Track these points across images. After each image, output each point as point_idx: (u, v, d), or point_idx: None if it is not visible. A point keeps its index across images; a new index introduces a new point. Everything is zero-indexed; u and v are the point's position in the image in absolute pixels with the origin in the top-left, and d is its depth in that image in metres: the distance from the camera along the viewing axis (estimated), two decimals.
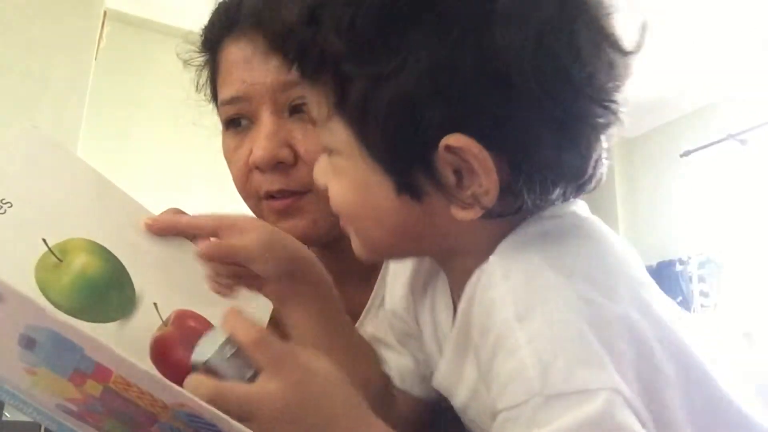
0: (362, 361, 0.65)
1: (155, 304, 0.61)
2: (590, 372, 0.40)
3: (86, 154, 2.48)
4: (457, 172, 0.44)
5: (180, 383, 0.58)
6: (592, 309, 0.42)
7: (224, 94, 0.77)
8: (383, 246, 0.52)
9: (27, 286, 0.54)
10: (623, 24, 0.45)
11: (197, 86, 0.86)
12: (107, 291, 0.59)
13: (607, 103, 0.44)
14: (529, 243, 0.46)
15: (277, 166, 0.73)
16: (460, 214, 0.46)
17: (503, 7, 0.42)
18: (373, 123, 0.45)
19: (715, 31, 2.96)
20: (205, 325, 0.63)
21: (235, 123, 0.78)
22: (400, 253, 0.56)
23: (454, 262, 0.52)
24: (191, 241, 0.65)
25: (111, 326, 0.58)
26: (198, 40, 0.84)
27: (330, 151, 0.50)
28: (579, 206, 0.51)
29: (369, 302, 0.82)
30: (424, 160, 0.44)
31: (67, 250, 0.59)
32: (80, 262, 0.59)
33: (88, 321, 0.57)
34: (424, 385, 0.61)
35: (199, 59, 0.84)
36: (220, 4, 0.81)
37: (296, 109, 0.74)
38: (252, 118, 0.76)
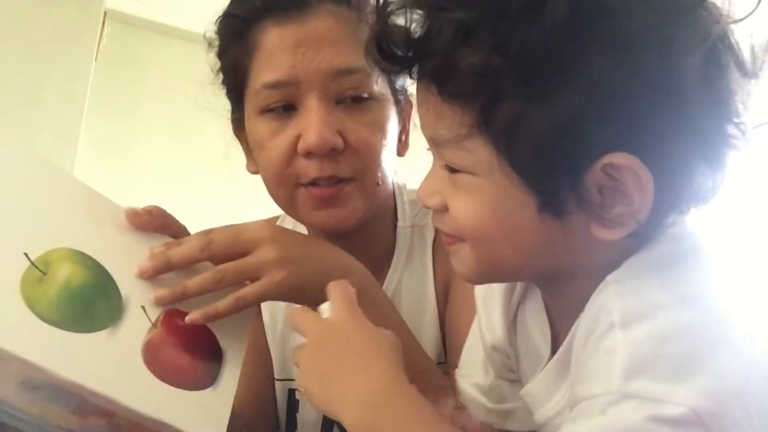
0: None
1: (143, 307, 0.61)
2: (675, 388, 0.40)
3: (86, 154, 2.48)
4: (601, 191, 0.44)
5: (175, 382, 0.59)
6: (698, 332, 0.42)
7: (267, 77, 0.75)
8: (506, 268, 0.51)
9: (14, 305, 0.54)
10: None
11: (216, 71, 0.83)
12: (94, 299, 0.59)
13: (742, 126, 0.46)
14: (648, 265, 0.46)
15: (328, 152, 0.73)
16: (602, 232, 0.45)
17: (681, 32, 0.42)
18: (526, 142, 0.44)
19: None
20: (195, 323, 0.63)
21: (273, 108, 0.76)
22: (514, 276, 0.55)
23: (562, 284, 0.52)
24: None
25: (101, 335, 0.57)
26: (223, 20, 0.80)
27: (454, 169, 0.48)
28: (695, 224, 0.51)
29: None
30: (574, 179, 0.44)
31: (50, 262, 0.58)
32: (64, 272, 0.58)
33: (78, 332, 0.56)
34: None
35: (219, 41, 0.81)
36: None
37: (347, 100, 0.74)
38: (296, 103, 0.75)
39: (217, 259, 0.65)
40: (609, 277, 0.47)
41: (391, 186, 0.84)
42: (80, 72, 2.36)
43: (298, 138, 0.74)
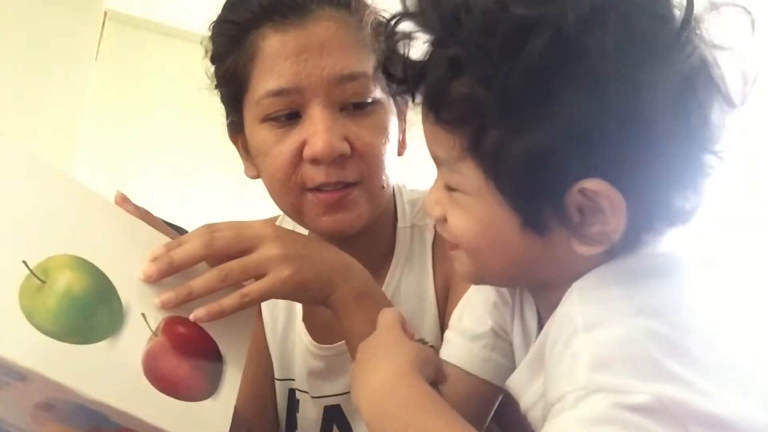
0: None
1: (143, 314, 0.60)
2: (637, 382, 0.42)
3: (86, 154, 2.48)
4: (581, 211, 0.48)
5: (176, 392, 0.58)
6: (657, 339, 0.45)
7: (270, 85, 0.74)
8: (496, 275, 0.56)
9: (13, 317, 0.52)
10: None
11: (212, 77, 0.83)
12: (95, 307, 0.57)
13: (719, 153, 0.49)
14: (613, 277, 0.50)
15: (335, 158, 0.73)
16: (582, 248, 0.49)
17: (651, 75, 0.45)
18: (508, 168, 0.48)
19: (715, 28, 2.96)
20: (195, 330, 0.62)
21: (278, 116, 0.75)
22: (507, 282, 0.60)
23: (546, 291, 0.56)
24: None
25: (102, 346, 0.56)
26: (219, 27, 0.80)
27: (451, 188, 0.53)
28: (673, 244, 0.53)
29: None
30: (554, 201, 0.48)
31: (50, 269, 0.56)
32: (64, 280, 0.56)
33: (78, 343, 0.54)
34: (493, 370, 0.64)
35: (214, 48, 0.80)
36: None
37: (350, 106, 0.75)
38: (299, 111, 0.75)
39: (219, 258, 0.65)
40: (575, 285, 0.50)
41: (391, 187, 0.84)
42: (80, 72, 2.36)
43: (303, 145, 0.74)
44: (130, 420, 0.55)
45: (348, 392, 0.83)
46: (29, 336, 0.52)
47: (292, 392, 0.91)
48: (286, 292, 0.66)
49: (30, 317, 0.53)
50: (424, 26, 0.50)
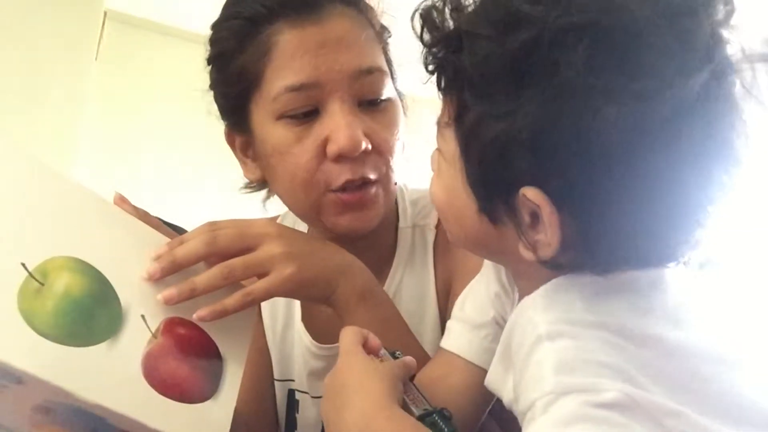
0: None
1: (143, 316, 0.59)
2: (603, 380, 0.43)
3: (86, 154, 2.48)
4: (534, 216, 0.48)
5: (175, 395, 0.58)
6: (619, 351, 0.46)
7: (289, 80, 0.72)
8: (463, 242, 0.58)
9: (11, 320, 0.52)
10: None
11: (210, 75, 0.81)
12: (94, 309, 0.57)
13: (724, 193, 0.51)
14: (579, 287, 0.50)
15: (359, 154, 0.72)
16: (524, 252, 0.50)
17: (617, 103, 0.44)
18: (475, 150, 0.50)
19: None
20: (195, 331, 0.62)
21: (296, 112, 0.74)
22: (477, 253, 0.61)
23: (519, 279, 0.58)
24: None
25: (101, 348, 0.56)
26: (227, 23, 0.77)
27: (439, 150, 0.56)
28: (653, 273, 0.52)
29: None
30: (506, 197, 0.49)
31: (48, 271, 0.56)
32: (63, 282, 0.56)
33: (77, 346, 0.54)
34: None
35: (220, 44, 0.78)
36: None
37: (366, 101, 0.74)
38: (318, 106, 0.73)
39: (222, 256, 0.64)
40: (540, 289, 0.51)
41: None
42: (80, 72, 2.36)
43: (325, 141, 0.72)
44: (128, 423, 0.55)
45: None
46: (27, 339, 0.52)
47: (291, 393, 0.91)
48: (290, 290, 0.66)
49: (28, 320, 0.53)
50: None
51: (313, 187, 0.74)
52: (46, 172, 0.61)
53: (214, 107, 0.83)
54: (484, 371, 0.62)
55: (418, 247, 0.85)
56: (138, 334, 0.58)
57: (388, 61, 0.80)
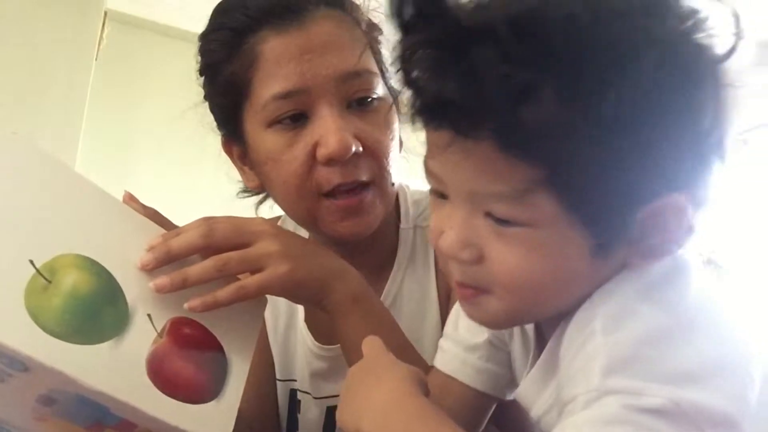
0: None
1: (149, 315, 0.59)
2: (651, 384, 0.41)
3: (87, 154, 2.48)
4: (643, 225, 0.47)
5: (179, 395, 0.57)
6: (672, 339, 0.44)
7: (276, 88, 0.73)
8: (537, 311, 0.52)
9: (18, 316, 0.52)
10: None
11: (203, 85, 0.82)
12: (100, 308, 0.57)
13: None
14: (629, 280, 0.49)
15: (350, 157, 0.72)
16: (640, 261, 0.48)
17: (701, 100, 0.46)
18: (592, 194, 0.45)
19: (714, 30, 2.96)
20: (201, 331, 0.62)
21: (285, 119, 0.74)
22: (536, 318, 0.56)
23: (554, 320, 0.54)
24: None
25: (105, 347, 0.56)
26: (214, 34, 0.78)
27: (501, 220, 0.47)
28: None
29: (381, 297, 0.83)
30: (627, 220, 0.46)
31: (56, 269, 0.56)
32: (70, 280, 0.56)
33: (82, 344, 0.54)
34: (489, 381, 0.63)
35: (208, 55, 0.79)
36: None
37: (356, 103, 0.74)
38: (307, 112, 0.73)
39: (217, 249, 0.64)
40: (594, 294, 0.49)
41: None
42: (81, 72, 2.36)
43: (315, 147, 0.73)
44: (130, 411, 0.55)
45: None
46: (34, 335, 0.52)
47: (293, 393, 0.91)
48: (283, 288, 0.66)
49: (35, 317, 0.53)
50: (480, 41, 0.42)
51: (306, 193, 0.75)
52: (57, 169, 0.61)
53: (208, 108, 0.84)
54: (479, 392, 0.62)
55: (419, 248, 0.85)
56: (143, 334, 0.58)
57: (380, 60, 0.79)
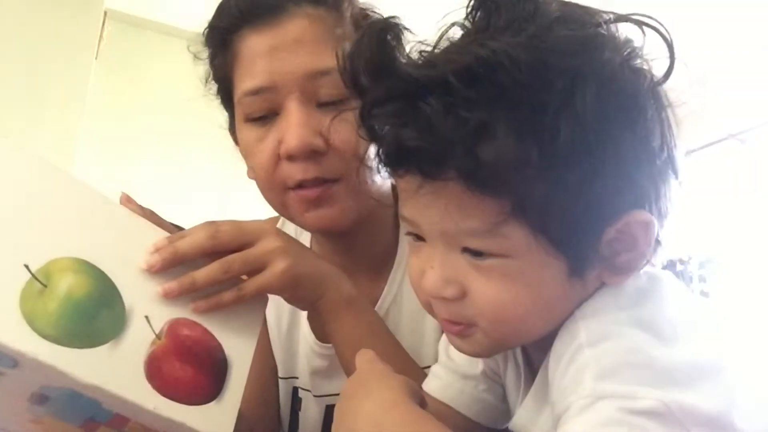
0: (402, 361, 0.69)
1: (147, 317, 0.59)
2: (641, 388, 0.43)
3: (85, 153, 2.48)
4: (610, 243, 0.49)
5: (178, 398, 0.57)
6: (656, 348, 0.46)
7: (247, 84, 0.76)
8: (521, 338, 0.54)
9: (13, 321, 0.52)
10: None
11: (206, 80, 0.84)
12: (97, 311, 0.56)
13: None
14: (607, 294, 0.50)
15: (310, 154, 0.73)
16: (614, 278, 0.50)
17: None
18: (559, 218, 0.47)
19: (715, 30, 2.96)
20: (200, 332, 0.62)
21: (257, 115, 0.76)
22: (521, 342, 0.56)
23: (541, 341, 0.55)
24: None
25: (102, 350, 0.55)
26: (208, 33, 0.81)
27: (478, 254, 0.49)
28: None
29: (380, 300, 0.83)
30: (596, 239, 0.48)
31: (52, 273, 0.55)
32: (66, 284, 0.55)
33: (79, 347, 0.54)
34: (482, 410, 0.63)
35: (208, 53, 0.82)
36: None
37: (324, 103, 0.74)
38: (277, 108, 0.75)
39: (223, 250, 0.65)
40: (576, 312, 0.50)
41: (386, 187, 0.84)
42: (80, 71, 2.36)
43: (281, 142, 0.75)
44: (124, 406, 0.55)
45: None
46: (29, 340, 0.52)
47: (295, 390, 0.91)
48: (281, 286, 0.67)
49: (30, 322, 0.53)
50: (432, 87, 0.46)
51: (274, 187, 0.77)
52: (51, 171, 0.60)
53: (213, 107, 0.85)
54: (473, 422, 0.62)
55: None
56: (141, 336, 0.58)
57: None
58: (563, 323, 0.50)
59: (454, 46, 0.49)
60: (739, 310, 3.26)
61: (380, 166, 0.51)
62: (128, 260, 0.60)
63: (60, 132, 2.29)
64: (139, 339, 0.58)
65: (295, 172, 0.74)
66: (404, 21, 0.51)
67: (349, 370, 0.69)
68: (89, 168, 2.60)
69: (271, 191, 0.79)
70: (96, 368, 0.54)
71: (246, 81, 0.76)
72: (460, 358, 0.64)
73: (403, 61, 0.49)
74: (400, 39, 0.49)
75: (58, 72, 2.32)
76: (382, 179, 0.79)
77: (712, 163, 3.48)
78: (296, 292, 0.69)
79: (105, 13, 2.47)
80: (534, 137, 0.45)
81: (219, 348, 0.62)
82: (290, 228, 0.89)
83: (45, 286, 0.54)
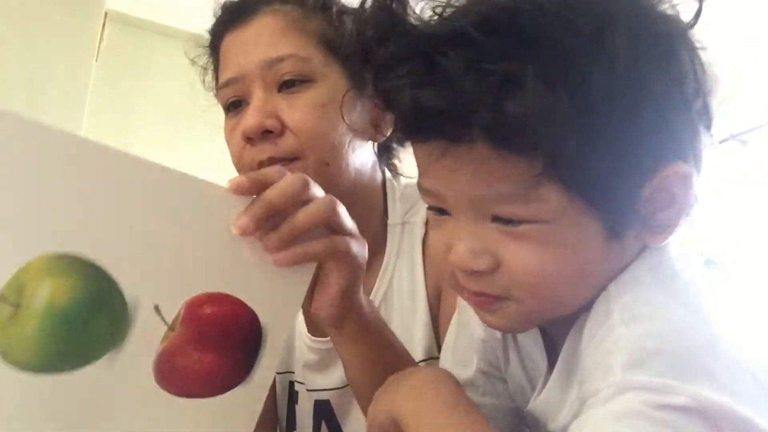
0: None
1: (156, 306, 0.49)
2: (675, 382, 0.40)
3: None
4: (648, 200, 0.46)
5: (196, 392, 0.51)
6: (692, 334, 0.43)
7: (221, 78, 0.83)
8: (558, 308, 0.50)
9: None
10: None
11: (204, 84, 0.90)
12: (89, 317, 0.46)
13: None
14: (644, 273, 0.48)
15: (265, 135, 0.77)
16: (654, 238, 0.48)
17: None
18: (595, 176, 0.44)
19: (715, 31, 2.96)
20: (228, 306, 0.52)
21: (233, 106, 0.82)
22: (559, 314, 0.52)
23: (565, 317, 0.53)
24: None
25: (101, 366, 0.46)
26: (204, 41, 0.89)
27: (510, 222, 0.46)
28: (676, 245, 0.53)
29: (372, 294, 0.83)
30: (634, 197, 0.46)
31: (24, 284, 0.44)
32: (44, 294, 0.44)
33: (71, 369, 0.45)
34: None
35: (204, 59, 0.90)
36: (223, 6, 0.86)
37: (284, 86, 0.79)
38: (247, 98, 0.80)
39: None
40: (610, 286, 0.48)
41: (371, 177, 0.85)
42: (81, 72, 2.36)
43: None
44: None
45: (338, 388, 0.84)
46: (5, 378, 0.44)
47: (291, 384, 0.91)
48: (350, 267, 0.62)
49: (5, 356, 0.44)
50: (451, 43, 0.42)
51: (243, 172, 0.78)
52: (34, 129, 0.44)
53: (213, 107, 0.88)
54: None
55: (406, 244, 0.86)
56: (150, 332, 0.49)
57: (339, 48, 0.81)
58: (597, 299, 0.47)
59: None
60: (739, 310, 3.24)
61: (400, 138, 0.49)
62: (126, 237, 0.47)
63: None
64: (146, 337, 0.49)
65: (254, 153, 0.78)
66: None
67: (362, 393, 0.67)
68: None
69: None
70: (97, 396, 0.46)
71: (221, 76, 0.84)
72: (454, 364, 0.63)
73: (413, 19, 0.45)
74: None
75: (58, 73, 2.32)
76: (362, 164, 0.80)
77: (713, 164, 3.48)
78: (351, 282, 0.63)
79: (106, 14, 2.47)
80: (564, 86, 0.41)
81: (254, 319, 0.53)
82: None
83: (17, 305, 0.44)
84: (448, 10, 0.45)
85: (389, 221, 0.87)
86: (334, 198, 0.59)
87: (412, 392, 0.50)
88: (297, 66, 0.79)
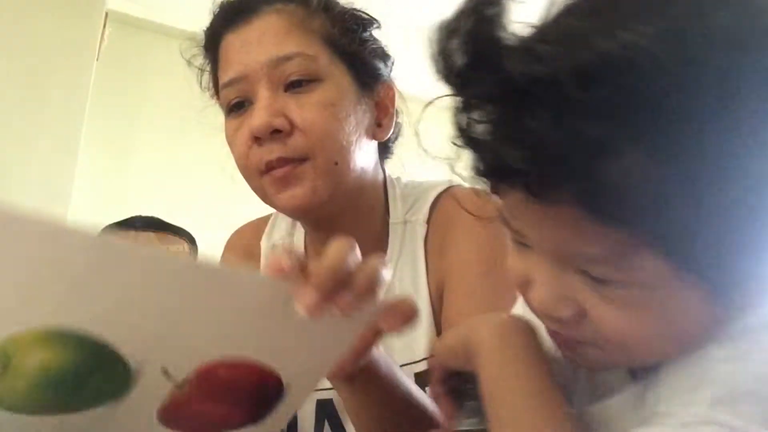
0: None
1: (165, 369, 0.45)
2: (754, 428, 0.37)
3: (87, 154, 2.49)
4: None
5: (203, 429, 0.49)
6: None
7: (223, 78, 0.81)
8: (656, 358, 0.45)
9: None
10: None
11: (200, 85, 0.89)
12: (84, 379, 0.43)
13: None
14: (742, 329, 0.42)
15: (273, 135, 0.77)
16: (751, 300, 0.43)
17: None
18: (703, 248, 0.38)
19: None
20: (245, 370, 0.48)
21: (237, 107, 0.81)
22: (652, 360, 0.47)
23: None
24: None
25: (98, 411, 0.45)
26: (201, 40, 0.88)
27: (600, 279, 0.41)
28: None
29: None
30: (745, 267, 0.40)
31: (14, 350, 0.41)
32: (35, 360, 0.42)
33: (57, 414, 0.44)
34: None
35: (201, 59, 0.88)
36: (222, 4, 0.85)
37: (292, 85, 0.78)
38: (251, 98, 0.79)
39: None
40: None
41: (374, 176, 0.85)
42: (82, 72, 2.36)
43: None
44: None
45: None
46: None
47: None
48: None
49: None
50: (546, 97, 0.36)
51: (251, 173, 0.81)
52: (8, 220, 0.38)
53: (213, 107, 0.88)
54: None
55: (407, 243, 0.86)
56: (153, 390, 0.46)
57: (345, 43, 0.81)
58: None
59: (567, 33, 0.38)
60: None
61: (479, 178, 0.43)
62: (126, 307, 0.43)
63: (62, 133, 2.30)
64: (150, 393, 0.46)
65: (263, 154, 0.77)
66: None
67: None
68: (90, 169, 2.60)
69: (250, 179, 0.82)
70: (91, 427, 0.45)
71: (223, 76, 0.82)
72: None
73: (508, 43, 0.39)
74: (502, 14, 0.40)
75: (59, 73, 2.32)
76: (367, 163, 0.81)
77: None
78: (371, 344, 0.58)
79: (106, 14, 2.47)
80: (676, 159, 0.36)
81: (274, 380, 0.50)
82: (283, 224, 0.90)
83: (5, 366, 0.42)
84: (543, 39, 0.39)
85: (391, 220, 0.87)
86: (381, 258, 0.51)
87: (498, 340, 0.46)
88: (304, 65, 0.79)
